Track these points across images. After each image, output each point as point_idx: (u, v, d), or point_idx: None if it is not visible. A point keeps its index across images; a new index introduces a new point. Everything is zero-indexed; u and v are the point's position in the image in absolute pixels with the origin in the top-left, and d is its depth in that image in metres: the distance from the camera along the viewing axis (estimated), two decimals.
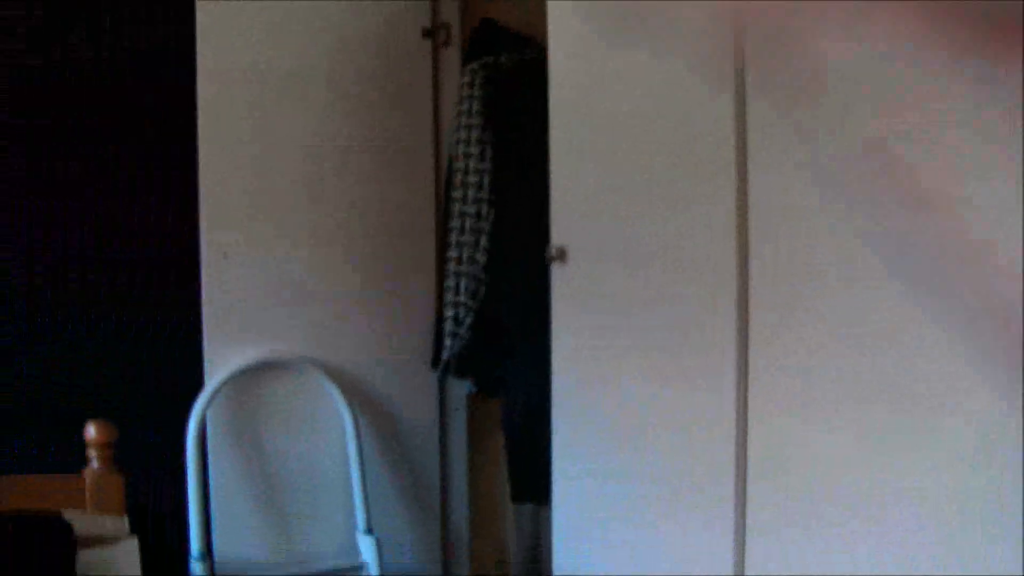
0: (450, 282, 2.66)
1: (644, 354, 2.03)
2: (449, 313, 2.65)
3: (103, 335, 2.55)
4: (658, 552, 2.05)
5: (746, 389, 1.76)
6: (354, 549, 2.68)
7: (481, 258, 2.61)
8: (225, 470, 2.62)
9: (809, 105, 1.50)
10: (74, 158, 2.51)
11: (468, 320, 2.62)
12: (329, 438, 2.69)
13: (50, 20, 2.46)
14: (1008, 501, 1.25)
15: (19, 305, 2.49)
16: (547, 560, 2.47)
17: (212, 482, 2.59)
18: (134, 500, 1.99)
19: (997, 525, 1.27)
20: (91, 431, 1.92)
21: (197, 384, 2.56)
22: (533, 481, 2.54)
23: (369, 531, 2.65)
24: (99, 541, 1.76)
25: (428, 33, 2.80)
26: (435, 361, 2.77)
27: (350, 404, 2.66)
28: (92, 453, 1.92)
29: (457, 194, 2.65)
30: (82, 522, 1.80)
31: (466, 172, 2.62)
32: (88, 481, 1.90)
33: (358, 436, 2.66)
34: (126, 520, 1.88)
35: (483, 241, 2.61)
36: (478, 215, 2.61)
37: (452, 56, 2.84)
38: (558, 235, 2.24)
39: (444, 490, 2.90)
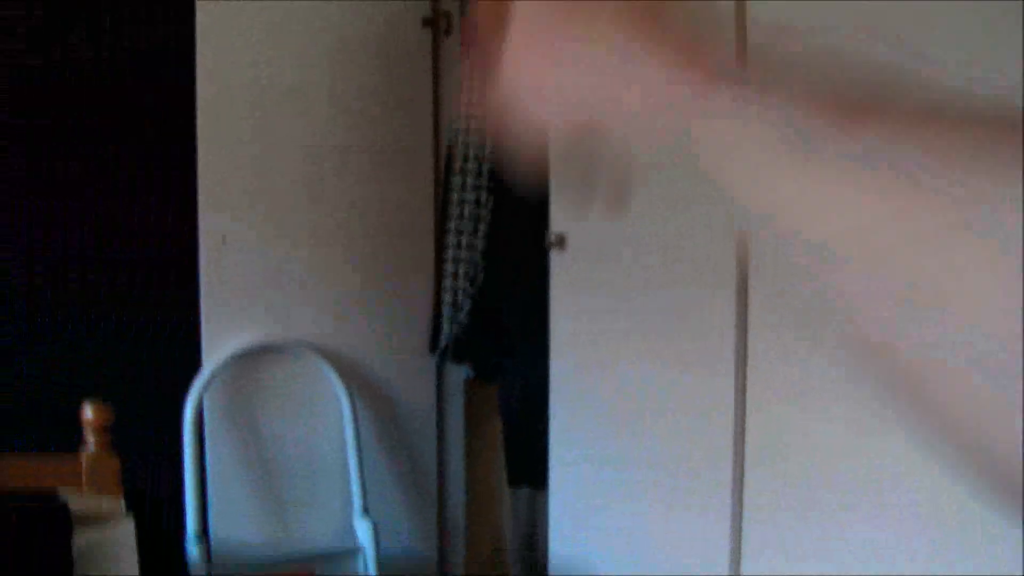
0: (448, 267, 2.66)
1: (643, 340, 2.03)
2: (447, 298, 2.65)
3: (102, 322, 2.55)
4: (655, 538, 2.06)
5: (745, 375, 1.76)
6: (350, 533, 2.68)
7: (480, 244, 2.61)
8: (222, 453, 2.62)
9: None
10: (74, 158, 2.50)
11: (466, 305, 2.62)
12: (326, 422, 2.69)
13: (50, 20, 2.45)
14: None
15: (20, 291, 2.49)
16: (543, 545, 2.48)
17: (209, 465, 2.59)
18: (132, 483, 1.99)
19: (994, 512, 1.27)
20: (88, 412, 1.92)
21: (194, 368, 2.56)
22: (530, 465, 2.54)
23: (366, 515, 2.65)
24: (95, 521, 1.76)
25: (429, 22, 2.79)
26: (433, 346, 2.77)
27: (347, 388, 2.66)
28: (89, 434, 1.92)
29: (456, 181, 2.65)
30: (78, 502, 1.80)
31: (465, 159, 2.62)
32: (84, 462, 1.90)
33: (355, 420, 2.66)
34: (122, 501, 1.88)
35: (482, 227, 2.61)
36: (477, 202, 2.61)
37: (453, 45, 2.83)
38: (557, 222, 2.24)
39: (441, 475, 2.91)
